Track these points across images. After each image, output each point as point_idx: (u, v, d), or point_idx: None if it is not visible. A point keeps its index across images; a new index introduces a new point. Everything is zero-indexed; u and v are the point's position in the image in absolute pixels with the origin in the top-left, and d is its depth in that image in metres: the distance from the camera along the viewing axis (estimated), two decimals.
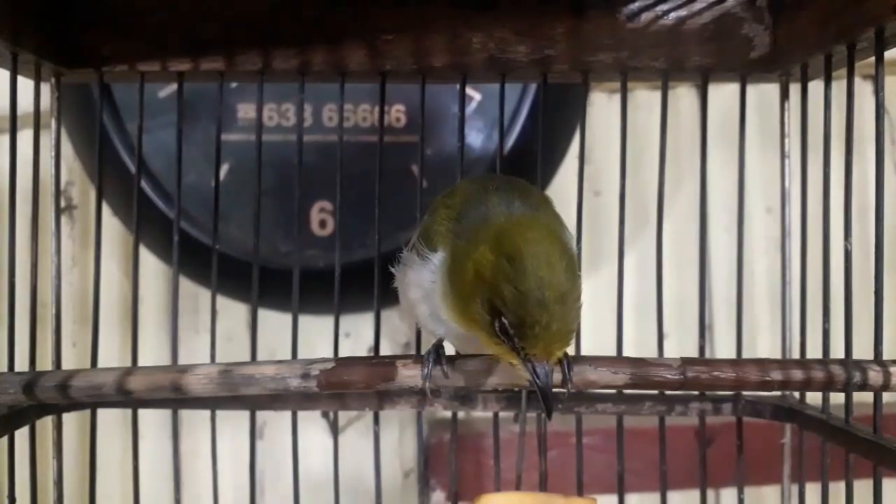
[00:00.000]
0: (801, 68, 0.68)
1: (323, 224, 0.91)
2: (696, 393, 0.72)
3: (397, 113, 0.92)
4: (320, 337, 0.89)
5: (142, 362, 0.71)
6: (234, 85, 0.87)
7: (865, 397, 0.59)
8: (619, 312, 0.72)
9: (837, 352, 0.62)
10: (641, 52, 0.70)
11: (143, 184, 0.86)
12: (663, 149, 0.72)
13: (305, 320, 0.74)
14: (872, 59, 0.59)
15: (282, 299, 0.81)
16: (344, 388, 0.56)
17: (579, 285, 0.48)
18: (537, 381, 0.49)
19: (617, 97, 0.96)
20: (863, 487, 0.60)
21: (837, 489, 0.63)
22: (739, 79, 0.72)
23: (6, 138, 0.66)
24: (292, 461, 0.73)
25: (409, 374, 0.56)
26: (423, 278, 0.56)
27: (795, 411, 0.69)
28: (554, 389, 0.50)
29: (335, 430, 0.76)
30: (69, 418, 0.72)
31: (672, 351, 0.65)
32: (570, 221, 0.60)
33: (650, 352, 0.66)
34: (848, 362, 0.56)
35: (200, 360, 0.59)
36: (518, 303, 0.47)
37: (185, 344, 0.74)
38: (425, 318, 0.57)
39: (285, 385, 0.56)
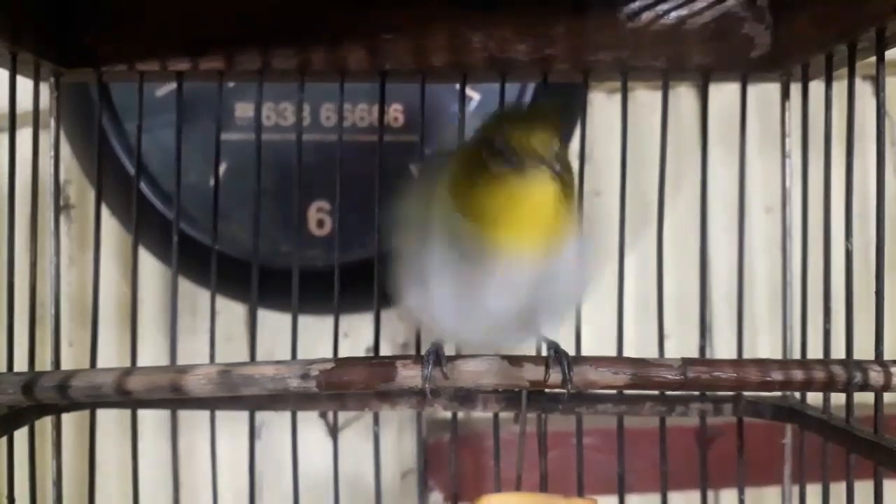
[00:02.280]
0: (801, 68, 0.68)
1: (320, 224, 0.91)
2: (696, 393, 0.72)
3: (395, 112, 0.91)
4: (318, 337, 0.89)
5: (139, 363, 0.71)
6: (231, 84, 0.86)
7: (866, 398, 0.59)
8: (620, 313, 0.72)
9: (838, 352, 0.62)
10: (642, 52, 0.70)
11: (141, 183, 0.86)
12: (664, 149, 0.72)
13: (303, 320, 0.74)
14: (873, 59, 0.59)
15: (279, 299, 0.81)
16: (343, 389, 0.56)
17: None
18: (528, 160, 0.50)
19: (616, 97, 0.96)
20: (864, 488, 0.60)
21: (838, 490, 0.63)
22: (740, 78, 0.72)
23: (5, 138, 0.66)
24: (292, 462, 0.72)
25: (409, 375, 0.56)
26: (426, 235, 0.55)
27: (796, 412, 0.69)
28: (555, 390, 0.50)
29: (335, 430, 0.76)
30: (68, 419, 0.72)
31: (672, 351, 0.65)
32: None
33: (651, 352, 0.66)
34: (849, 362, 0.56)
35: (198, 360, 0.59)
36: (505, 118, 0.54)
37: (183, 344, 0.73)
38: (435, 263, 0.55)
39: (285, 385, 0.56)
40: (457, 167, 0.55)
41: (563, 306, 0.58)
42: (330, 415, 0.95)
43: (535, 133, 0.50)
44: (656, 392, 0.72)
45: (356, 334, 0.96)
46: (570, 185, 0.52)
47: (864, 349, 0.60)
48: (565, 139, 0.93)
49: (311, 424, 0.97)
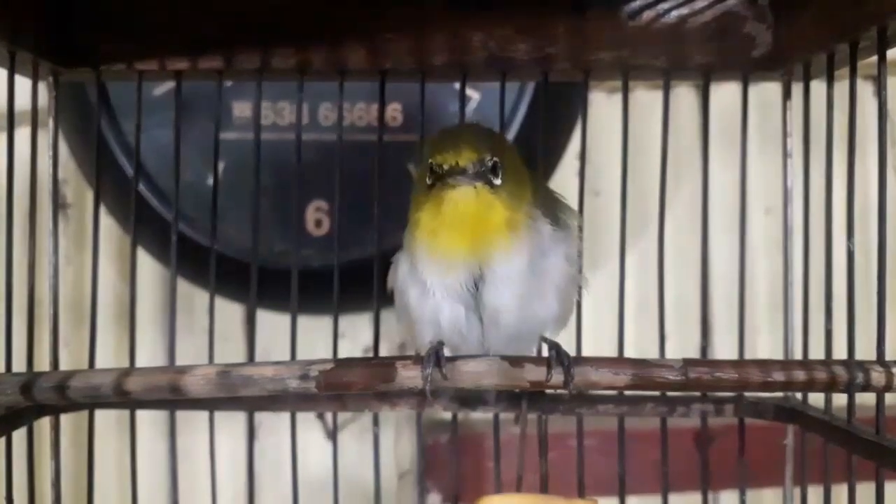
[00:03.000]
0: (803, 67, 0.67)
1: (318, 224, 0.91)
2: (697, 394, 0.72)
3: (393, 112, 0.91)
4: (316, 337, 0.89)
5: (137, 363, 0.71)
6: (229, 83, 0.86)
7: (868, 398, 0.59)
8: (621, 313, 0.71)
9: (840, 353, 0.62)
10: (643, 51, 0.70)
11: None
12: (665, 149, 0.71)
13: (302, 321, 0.73)
14: (875, 59, 0.58)
15: (277, 299, 0.81)
16: (343, 389, 0.56)
17: (496, 137, 0.60)
18: (447, 175, 0.54)
19: (616, 96, 0.96)
20: (865, 489, 0.59)
21: (840, 491, 0.62)
22: (741, 78, 0.72)
23: (3, 137, 0.65)
24: (291, 463, 0.72)
25: (409, 376, 0.55)
26: (402, 258, 0.60)
27: (797, 412, 0.69)
28: (556, 391, 0.50)
29: (334, 431, 0.76)
30: (67, 419, 0.72)
31: (673, 352, 0.64)
32: None
33: (651, 353, 0.65)
34: (850, 363, 0.55)
35: (195, 360, 0.59)
36: (438, 138, 0.58)
37: (180, 344, 0.73)
38: (414, 295, 0.58)
39: (284, 386, 0.55)
40: (414, 190, 0.60)
41: (547, 308, 0.59)
42: (328, 416, 0.95)
43: (457, 149, 0.55)
44: (657, 393, 0.71)
45: (353, 334, 0.96)
46: (511, 194, 0.56)
47: (865, 350, 0.60)
48: (563, 141, 0.93)
49: (310, 425, 0.96)
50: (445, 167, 0.55)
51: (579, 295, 0.63)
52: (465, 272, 0.56)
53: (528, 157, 0.70)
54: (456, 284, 0.56)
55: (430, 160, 0.56)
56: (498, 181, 0.56)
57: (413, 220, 0.58)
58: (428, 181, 0.56)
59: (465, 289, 0.56)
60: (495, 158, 0.56)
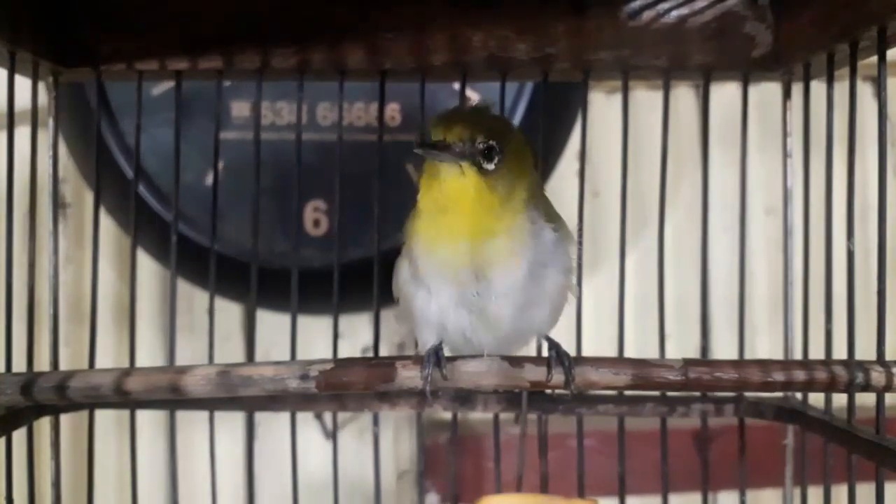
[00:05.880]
0: (803, 67, 0.67)
1: (317, 223, 0.91)
2: (697, 394, 0.72)
3: (392, 112, 0.91)
4: (316, 337, 0.89)
5: (137, 363, 0.71)
6: (227, 83, 0.86)
7: (868, 398, 0.59)
8: (621, 313, 0.71)
9: (840, 353, 0.62)
10: (643, 51, 0.69)
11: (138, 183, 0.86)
12: (665, 148, 0.71)
13: (301, 321, 0.73)
14: (875, 59, 0.58)
15: (276, 299, 0.81)
16: (343, 389, 0.56)
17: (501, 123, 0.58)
18: (430, 148, 0.54)
19: (616, 96, 0.96)
20: (865, 489, 0.59)
21: (840, 491, 0.62)
22: (741, 78, 0.72)
23: (3, 137, 0.65)
24: (291, 463, 0.72)
25: (409, 376, 0.55)
26: (404, 263, 0.58)
27: (798, 412, 0.69)
28: (557, 391, 0.50)
29: (334, 431, 0.76)
30: (67, 419, 0.71)
31: (673, 352, 0.64)
32: (570, 221, 0.60)
33: (651, 353, 0.65)
34: (850, 363, 0.55)
35: (195, 361, 0.59)
36: (434, 118, 0.56)
37: (180, 345, 0.73)
38: (419, 297, 0.57)
39: (284, 386, 0.55)
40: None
41: (543, 304, 0.57)
42: (326, 416, 0.95)
43: (449, 125, 0.54)
44: (657, 393, 0.71)
45: (352, 334, 0.96)
46: (509, 184, 0.55)
47: (865, 349, 0.60)
48: (561, 140, 0.93)
49: (307, 425, 0.96)
50: (441, 142, 0.54)
51: (578, 298, 0.63)
52: (464, 259, 0.54)
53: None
54: (454, 275, 0.54)
55: (426, 134, 0.55)
56: (490, 166, 0.54)
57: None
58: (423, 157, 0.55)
59: (464, 281, 0.54)
60: (491, 142, 0.54)
